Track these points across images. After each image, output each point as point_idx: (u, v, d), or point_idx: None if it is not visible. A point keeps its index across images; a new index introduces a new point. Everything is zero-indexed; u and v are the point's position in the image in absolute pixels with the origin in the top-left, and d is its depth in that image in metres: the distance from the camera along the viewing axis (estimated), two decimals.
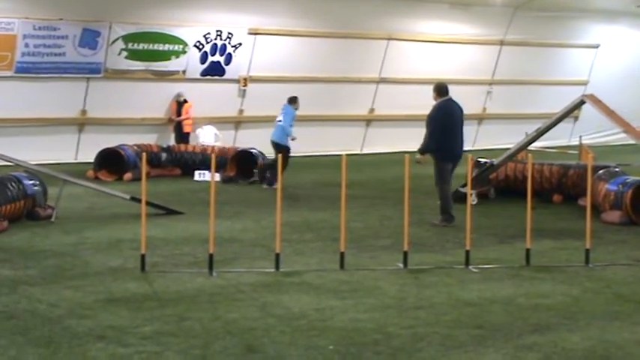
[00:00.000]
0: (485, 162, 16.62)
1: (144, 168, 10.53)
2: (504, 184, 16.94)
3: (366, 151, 26.95)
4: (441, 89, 14.03)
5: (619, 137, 24.28)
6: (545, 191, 16.45)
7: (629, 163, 17.04)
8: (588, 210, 10.87)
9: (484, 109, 29.77)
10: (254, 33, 25.06)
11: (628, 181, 14.36)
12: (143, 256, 10.09)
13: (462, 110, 14.08)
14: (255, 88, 25.40)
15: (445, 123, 13.70)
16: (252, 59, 25.25)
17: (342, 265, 10.35)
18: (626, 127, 15.69)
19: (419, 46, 27.99)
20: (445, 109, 13.88)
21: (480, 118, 29.72)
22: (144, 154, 11.75)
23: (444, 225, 13.48)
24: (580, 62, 31.62)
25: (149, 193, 10.79)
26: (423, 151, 13.86)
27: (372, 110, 27.18)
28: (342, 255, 10.41)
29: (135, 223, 12.26)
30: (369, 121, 27.30)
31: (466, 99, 28.34)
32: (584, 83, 31.00)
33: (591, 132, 28.66)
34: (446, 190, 13.80)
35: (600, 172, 15.33)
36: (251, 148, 20.26)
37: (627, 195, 13.84)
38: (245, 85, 25.32)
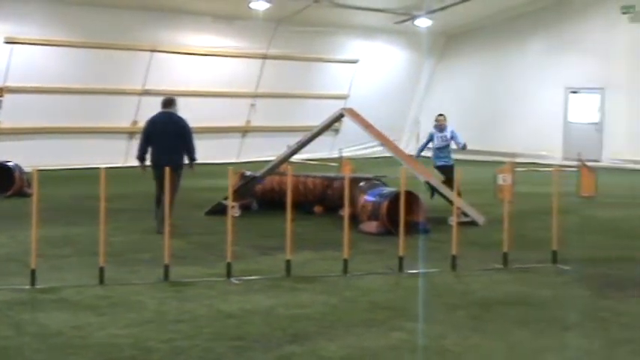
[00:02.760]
0: (249, 174, 16.76)
1: None
2: (268, 196, 17.12)
3: (128, 164, 26.52)
4: (162, 102, 14.70)
5: (377, 150, 25.18)
6: (309, 203, 16.76)
7: (386, 175, 17.61)
8: (346, 221, 11.13)
9: (248, 121, 30.05)
10: (11, 42, 24.22)
11: (384, 192, 14.84)
12: None
13: (176, 122, 14.41)
14: (13, 99, 24.53)
15: (148, 134, 14.36)
16: (9, 69, 24.37)
17: (101, 280, 10.12)
18: (383, 140, 16.29)
19: (183, 59, 27.95)
20: (149, 121, 14.61)
21: (244, 131, 29.99)
22: None
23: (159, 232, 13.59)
24: (340, 77, 32.54)
25: None
26: (137, 159, 14.50)
27: (135, 122, 26.80)
28: (101, 270, 10.18)
29: None
30: (132, 133, 26.90)
31: (230, 112, 28.95)
32: (345, 97, 31.94)
33: (351, 145, 29.54)
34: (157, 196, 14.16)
35: (360, 183, 15.76)
36: (7, 161, 19.50)
37: (384, 206, 14.28)
38: (1, 96, 24.38)
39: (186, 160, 14.39)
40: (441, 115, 18.37)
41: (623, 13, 30.56)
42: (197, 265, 11.48)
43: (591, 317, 8.87)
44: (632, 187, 23.52)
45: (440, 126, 18.16)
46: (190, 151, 14.26)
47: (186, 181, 15.04)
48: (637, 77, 30.69)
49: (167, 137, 14.18)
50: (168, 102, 14.59)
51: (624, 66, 30.94)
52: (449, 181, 16.21)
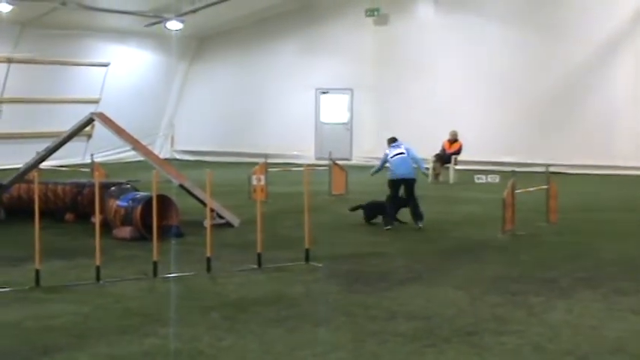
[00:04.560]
0: None
1: None
2: (17, 205, 16.52)
3: None
4: None
5: (130, 154, 24.84)
6: (59, 210, 16.32)
7: (139, 179, 17.42)
8: (97, 227, 10.90)
9: None
10: None
11: (137, 197, 14.64)
12: None
13: None
14: None
15: None
16: None
17: None
18: (135, 144, 16.11)
19: None
20: None
21: None
22: None
23: None
24: (92, 80, 31.86)
25: None
26: None
27: None
28: None
29: None
30: None
31: None
32: (96, 101, 31.28)
33: (104, 149, 29.00)
34: None
35: (112, 188, 15.47)
36: None
37: (137, 210, 14.10)
38: None
39: None
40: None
41: (368, 15, 31.69)
42: None
43: (341, 312, 9.12)
44: (380, 183, 24.34)
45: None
46: None
47: None
48: (383, 78, 31.92)
49: None
50: None
51: (371, 67, 32.10)
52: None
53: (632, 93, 27.89)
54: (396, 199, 16.06)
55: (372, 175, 17.03)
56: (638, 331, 8.32)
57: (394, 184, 16.13)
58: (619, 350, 7.69)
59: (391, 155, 16.25)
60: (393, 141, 16.72)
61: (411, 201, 15.97)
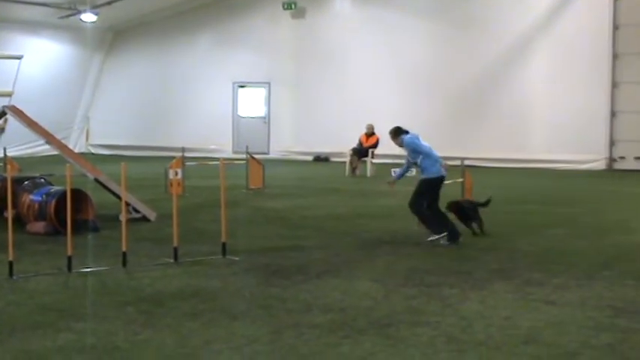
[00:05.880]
0: None
1: None
2: None
3: None
4: None
5: (44, 148, 24.48)
6: None
7: (54, 173, 17.16)
8: (10, 221, 10.72)
9: None
10: None
11: (52, 191, 14.45)
12: None
13: None
14: None
15: None
16: None
17: None
18: (49, 138, 15.88)
19: None
20: None
21: None
22: None
23: None
24: (4, 73, 31.16)
25: None
26: None
27: None
28: None
29: None
30: None
31: None
32: (9, 94, 30.61)
33: (18, 143, 28.49)
34: None
35: (25, 183, 15.23)
36: None
37: (51, 205, 13.91)
38: None
39: None
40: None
41: (285, 8, 31.73)
42: None
43: (258, 305, 9.12)
44: (297, 177, 24.48)
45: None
46: None
47: None
48: (300, 71, 32.00)
49: None
50: None
51: (288, 60, 32.15)
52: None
53: (546, 87, 28.43)
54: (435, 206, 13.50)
55: (394, 180, 13.91)
56: (550, 321, 8.47)
57: (434, 184, 13.48)
58: (532, 340, 7.83)
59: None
60: (402, 132, 13.59)
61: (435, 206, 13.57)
